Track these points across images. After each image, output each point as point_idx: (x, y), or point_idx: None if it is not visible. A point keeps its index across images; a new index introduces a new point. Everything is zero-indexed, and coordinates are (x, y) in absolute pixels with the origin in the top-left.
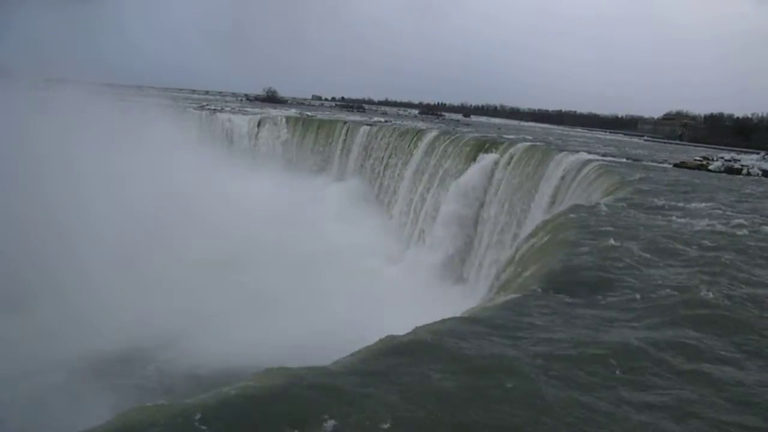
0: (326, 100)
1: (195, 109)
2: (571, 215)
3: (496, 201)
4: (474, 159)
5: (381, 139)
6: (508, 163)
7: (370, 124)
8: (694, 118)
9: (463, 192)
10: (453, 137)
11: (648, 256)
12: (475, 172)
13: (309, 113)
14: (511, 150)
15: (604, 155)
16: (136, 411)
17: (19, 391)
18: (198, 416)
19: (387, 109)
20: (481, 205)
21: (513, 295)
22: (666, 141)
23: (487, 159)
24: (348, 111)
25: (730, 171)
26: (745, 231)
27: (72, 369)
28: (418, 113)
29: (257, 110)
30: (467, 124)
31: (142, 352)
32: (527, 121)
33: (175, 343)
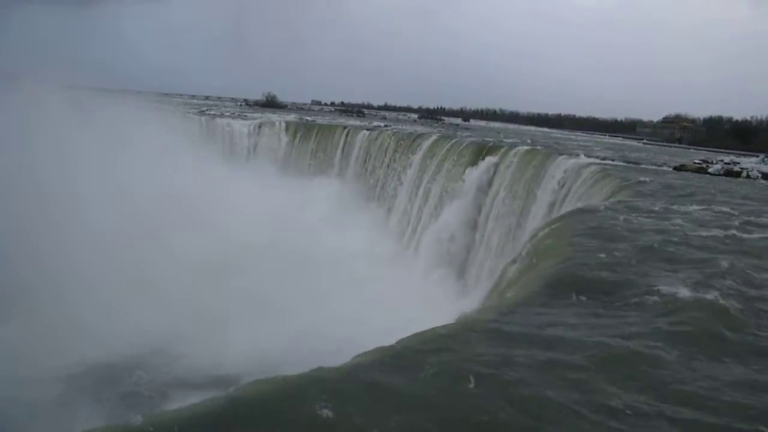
0: (326, 104)
1: (195, 114)
2: (571, 219)
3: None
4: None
5: (381, 143)
6: (507, 167)
7: (369, 129)
8: (693, 121)
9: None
10: (453, 141)
11: (648, 259)
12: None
13: (309, 118)
14: (511, 153)
15: (603, 159)
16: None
17: (17, 396)
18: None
19: (386, 113)
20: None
21: (512, 299)
22: (665, 144)
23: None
24: (347, 116)
25: (730, 174)
26: (745, 234)
27: (70, 373)
28: (418, 117)
29: (257, 115)
30: (467, 128)
31: (140, 357)
32: (526, 124)
33: (175, 347)
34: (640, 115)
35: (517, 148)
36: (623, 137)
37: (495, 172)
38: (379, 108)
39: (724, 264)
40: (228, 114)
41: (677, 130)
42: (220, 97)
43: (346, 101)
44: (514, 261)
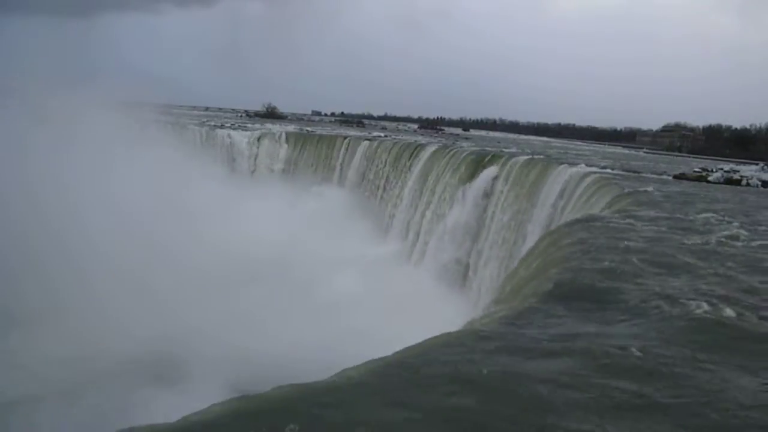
0: (326, 115)
1: (195, 125)
2: (572, 228)
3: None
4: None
5: (381, 153)
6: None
7: (369, 139)
8: (692, 129)
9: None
10: (453, 151)
11: (649, 267)
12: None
13: (309, 129)
14: (511, 163)
15: (603, 168)
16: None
17: (20, 409)
18: None
19: (386, 123)
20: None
21: (513, 308)
22: (665, 153)
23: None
24: (347, 126)
25: (730, 182)
26: (745, 242)
27: (74, 384)
28: (418, 127)
29: (257, 126)
30: (467, 138)
31: (146, 367)
32: (526, 134)
33: (178, 356)
34: (640, 124)
35: (516, 158)
36: (623, 146)
37: (495, 182)
38: (379, 118)
39: (724, 272)
40: (228, 125)
41: (677, 139)
42: (220, 108)
43: (346, 112)
44: (515, 270)
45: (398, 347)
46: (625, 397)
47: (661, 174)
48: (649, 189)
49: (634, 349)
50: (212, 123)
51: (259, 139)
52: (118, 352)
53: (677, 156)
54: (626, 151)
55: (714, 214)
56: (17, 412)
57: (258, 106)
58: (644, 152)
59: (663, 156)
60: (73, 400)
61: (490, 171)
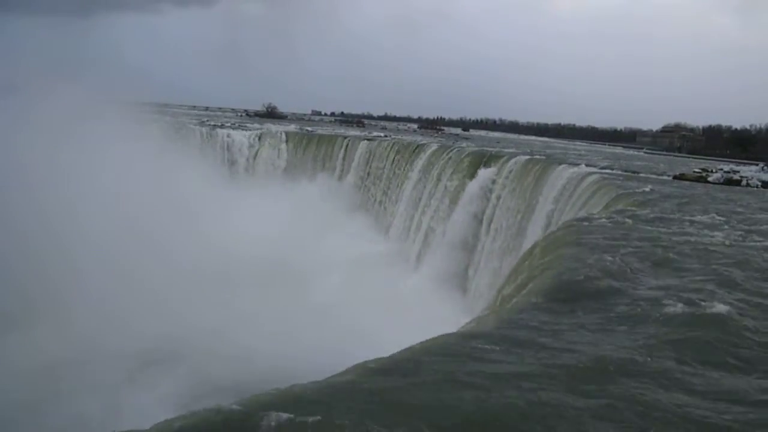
0: (326, 115)
1: (195, 124)
2: (571, 228)
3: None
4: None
5: (381, 153)
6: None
7: (369, 139)
8: (692, 130)
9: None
10: (453, 150)
11: (648, 268)
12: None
13: (309, 128)
14: (511, 162)
15: (603, 168)
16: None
17: (19, 407)
18: None
19: (386, 123)
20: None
21: (512, 309)
22: (665, 153)
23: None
24: (347, 126)
25: (730, 182)
26: (744, 242)
27: (74, 382)
28: (418, 127)
29: (257, 126)
30: (466, 138)
31: (143, 366)
32: (526, 134)
33: (176, 356)
34: (640, 125)
35: (516, 158)
36: (623, 147)
37: (495, 181)
38: (379, 118)
39: (723, 272)
40: (228, 124)
41: (677, 139)
42: (220, 108)
43: (346, 111)
44: (514, 270)
45: (396, 348)
46: (623, 397)
47: (660, 174)
48: (649, 189)
49: (631, 350)
50: (212, 122)
51: (259, 139)
52: (115, 350)
53: (677, 156)
54: (626, 151)
55: (713, 215)
56: (16, 410)
57: (258, 106)
58: (644, 152)
59: (663, 156)
60: (70, 398)
61: (490, 171)
